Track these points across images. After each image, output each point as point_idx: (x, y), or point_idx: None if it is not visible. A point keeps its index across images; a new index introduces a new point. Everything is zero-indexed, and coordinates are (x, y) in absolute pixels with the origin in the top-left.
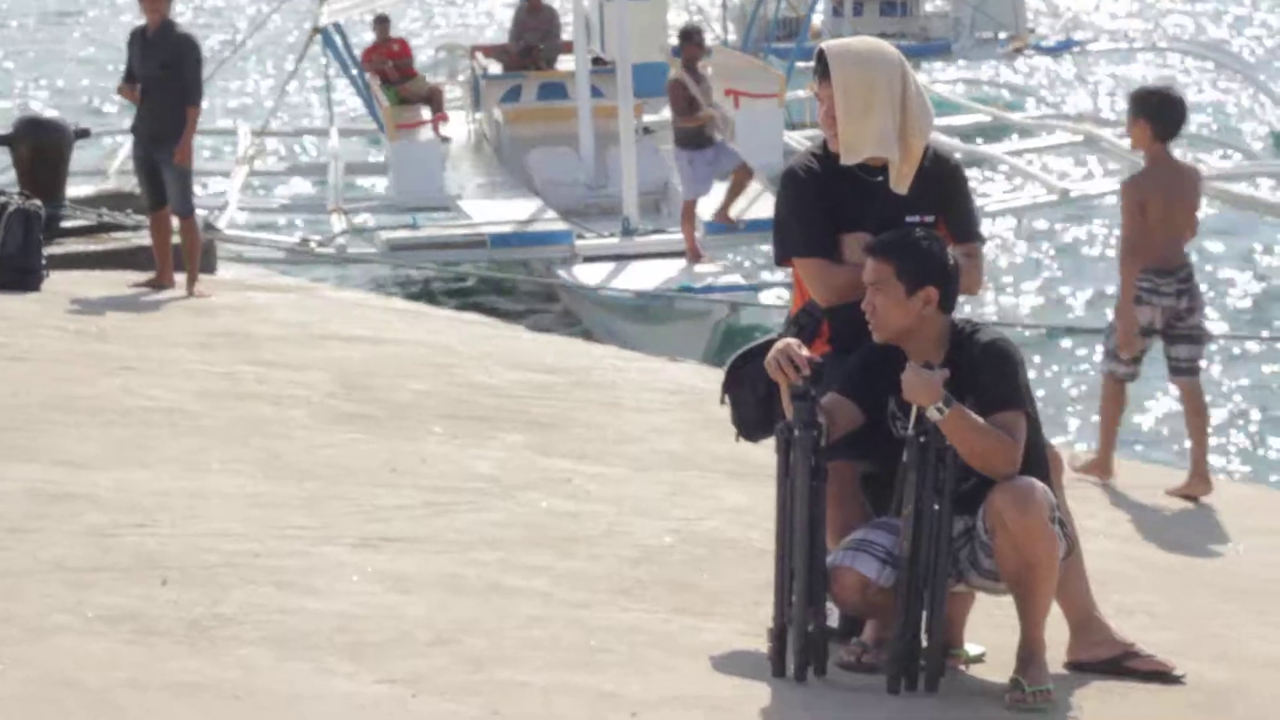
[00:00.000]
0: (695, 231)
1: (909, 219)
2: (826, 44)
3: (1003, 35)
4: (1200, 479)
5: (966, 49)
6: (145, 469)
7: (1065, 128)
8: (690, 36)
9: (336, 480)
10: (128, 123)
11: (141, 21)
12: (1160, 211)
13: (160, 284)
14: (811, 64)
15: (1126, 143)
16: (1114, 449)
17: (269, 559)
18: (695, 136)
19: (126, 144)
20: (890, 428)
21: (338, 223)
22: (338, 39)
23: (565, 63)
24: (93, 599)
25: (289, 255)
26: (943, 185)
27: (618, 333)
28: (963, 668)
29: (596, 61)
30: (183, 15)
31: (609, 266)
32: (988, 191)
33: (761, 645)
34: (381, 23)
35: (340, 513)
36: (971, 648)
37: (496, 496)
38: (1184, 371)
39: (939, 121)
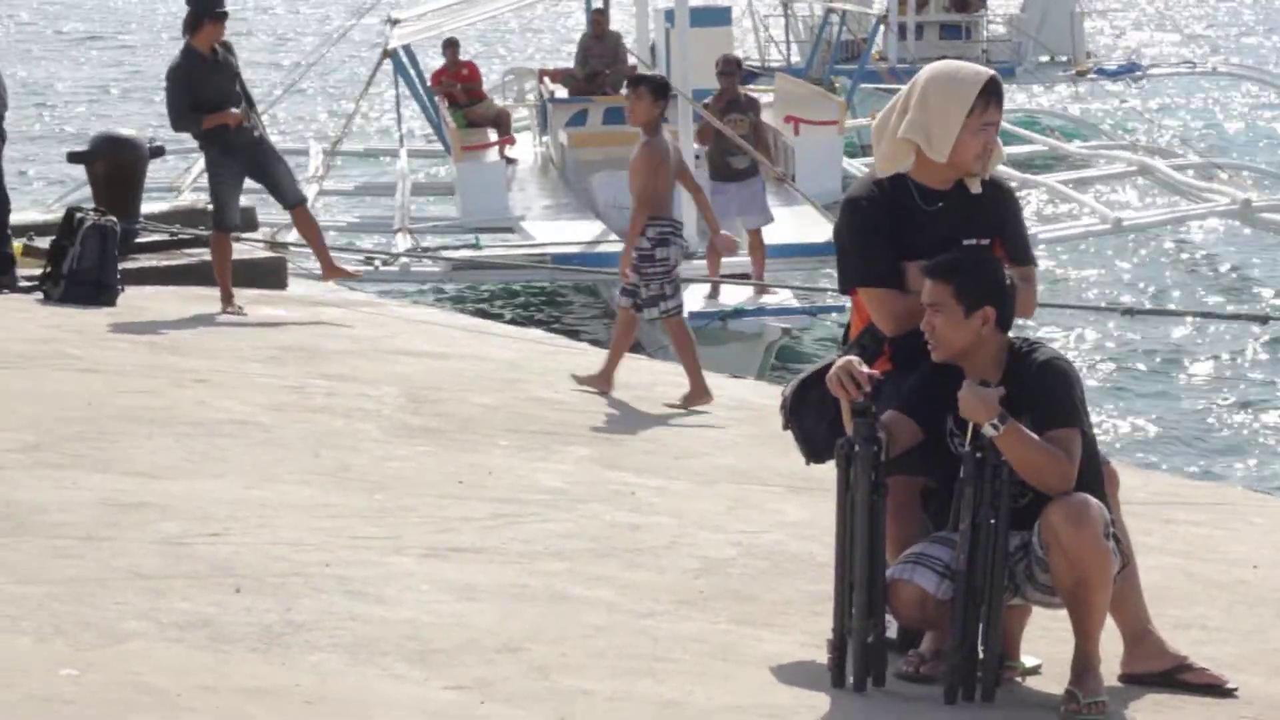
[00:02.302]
0: (764, 258)
1: (965, 242)
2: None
3: (1060, 58)
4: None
5: (1030, 73)
6: (217, 479)
7: (1120, 158)
8: (721, 66)
9: (405, 492)
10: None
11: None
12: (666, 175)
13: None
14: (875, 87)
15: (1181, 175)
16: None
17: (339, 568)
18: (720, 168)
19: (199, 161)
20: (949, 444)
21: (403, 242)
22: (407, 61)
23: None
24: (167, 606)
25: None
26: (998, 209)
27: (673, 355)
28: (1019, 679)
29: None
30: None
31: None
32: (1043, 218)
33: (821, 656)
34: (451, 46)
35: (409, 523)
36: (1028, 660)
37: (561, 509)
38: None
39: None
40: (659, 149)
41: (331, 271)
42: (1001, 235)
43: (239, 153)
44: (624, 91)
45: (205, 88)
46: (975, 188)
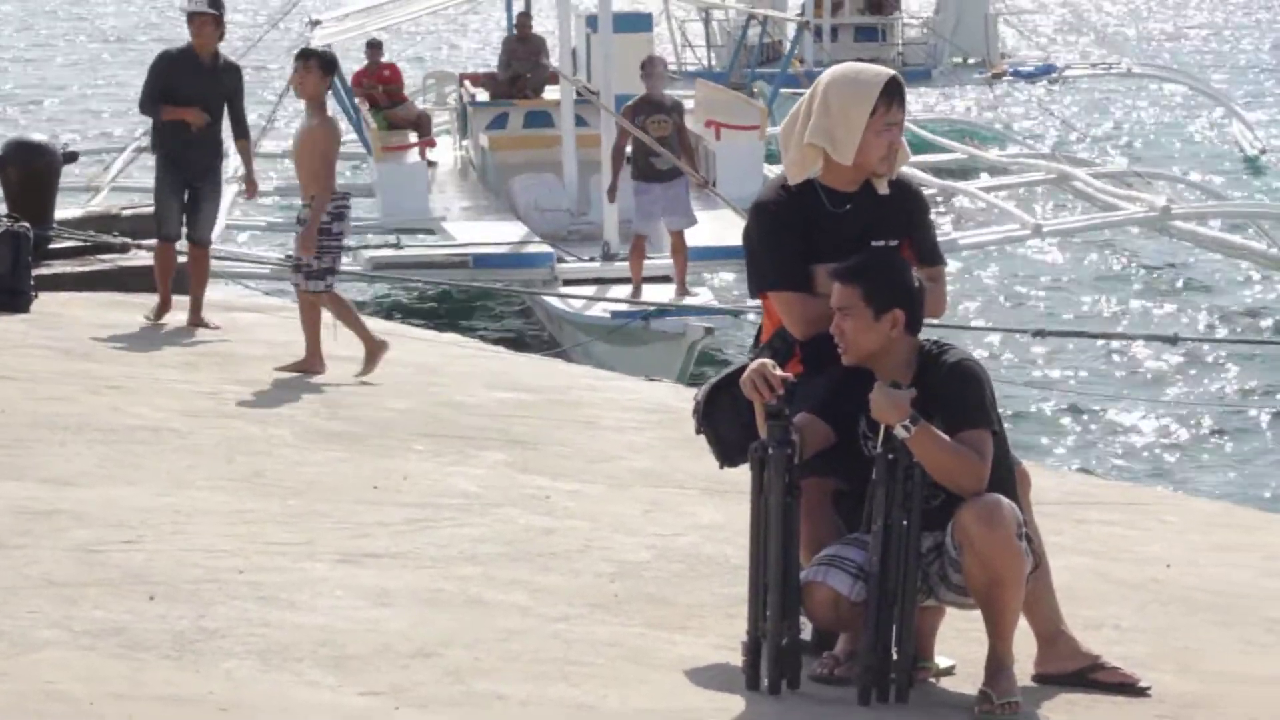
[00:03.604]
0: (686, 260)
1: (874, 244)
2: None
3: (972, 60)
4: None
5: (945, 75)
6: (131, 486)
7: (1038, 166)
8: (646, 67)
9: (319, 497)
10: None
11: (171, 44)
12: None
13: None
14: (794, 91)
15: (1099, 182)
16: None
17: (253, 574)
18: (645, 169)
19: (116, 163)
20: (861, 446)
21: None
22: None
23: (551, 92)
24: (80, 614)
25: (274, 272)
26: (906, 210)
27: (594, 354)
28: (932, 680)
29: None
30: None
31: (589, 290)
32: (962, 226)
33: (735, 659)
34: (372, 48)
35: (323, 529)
36: (941, 660)
37: (476, 513)
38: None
39: (917, 159)
40: (336, 125)
41: (195, 320)
42: (910, 236)
43: (185, 168)
44: (546, 95)
45: (180, 84)
46: (882, 189)
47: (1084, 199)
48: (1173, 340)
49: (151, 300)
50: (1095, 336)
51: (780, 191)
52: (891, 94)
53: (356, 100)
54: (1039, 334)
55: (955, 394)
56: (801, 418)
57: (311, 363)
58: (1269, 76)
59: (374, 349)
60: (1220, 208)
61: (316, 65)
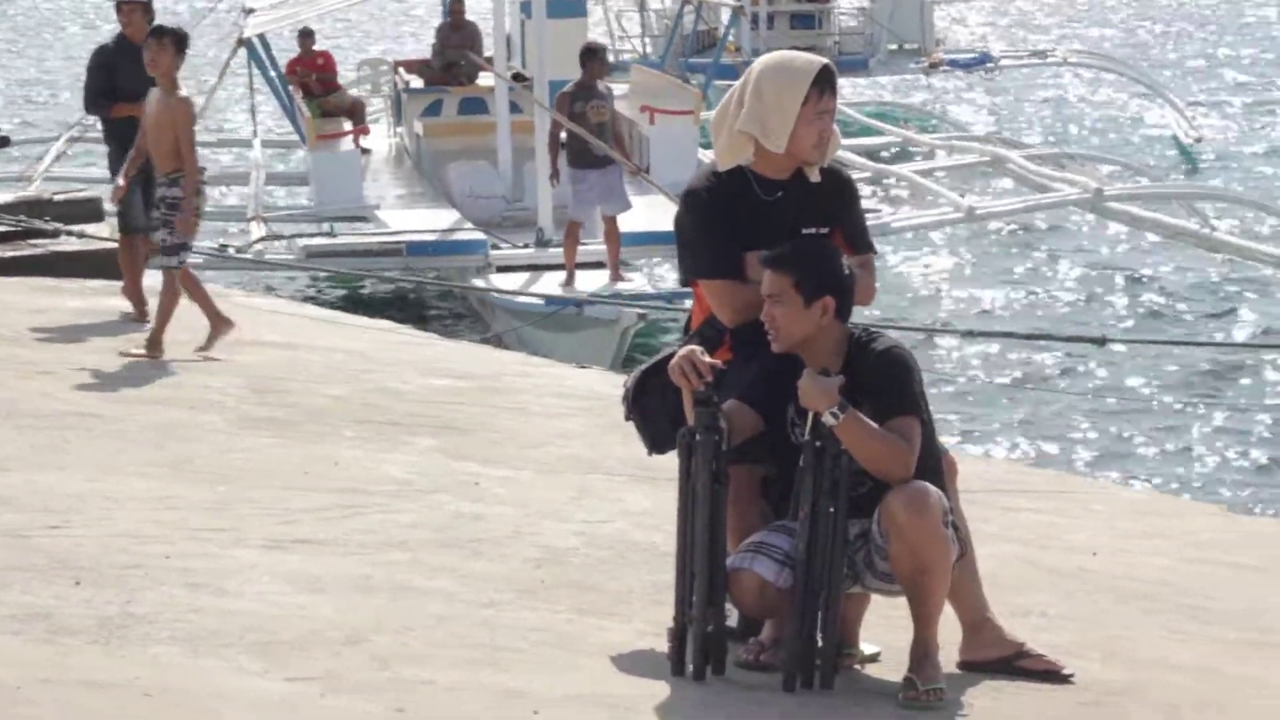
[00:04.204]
0: (619, 246)
1: (804, 231)
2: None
3: (909, 46)
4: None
5: (883, 64)
6: (60, 471)
7: (973, 149)
8: (589, 55)
9: (249, 483)
10: (54, 131)
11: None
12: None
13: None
14: (729, 82)
15: (1033, 164)
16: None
17: (181, 560)
18: (581, 155)
19: (52, 149)
20: (789, 433)
21: (257, 230)
22: (261, 51)
23: (486, 79)
24: (6, 599)
25: (206, 261)
26: (837, 198)
27: (529, 340)
28: (858, 667)
29: (517, 77)
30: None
31: (523, 276)
32: (896, 210)
33: (662, 645)
34: (306, 36)
35: (252, 515)
36: (867, 647)
37: (406, 499)
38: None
39: (852, 142)
40: (191, 101)
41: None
42: (840, 224)
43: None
44: (480, 81)
45: (122, 78)
46: (814, 177)
47: (1018, 181)
48: (1100, 342)
49: (85, 285)
50: (1024, 337)
51: (711, 179)
52: (823, 82)
53: (290, 88)
54: (968, 334)
55: (884, 381)
56: (730, 405)
57: (218, 326)
58: (1204, 66)
59: (220, 326)
60: (1153, 189)
61: (171, 42)
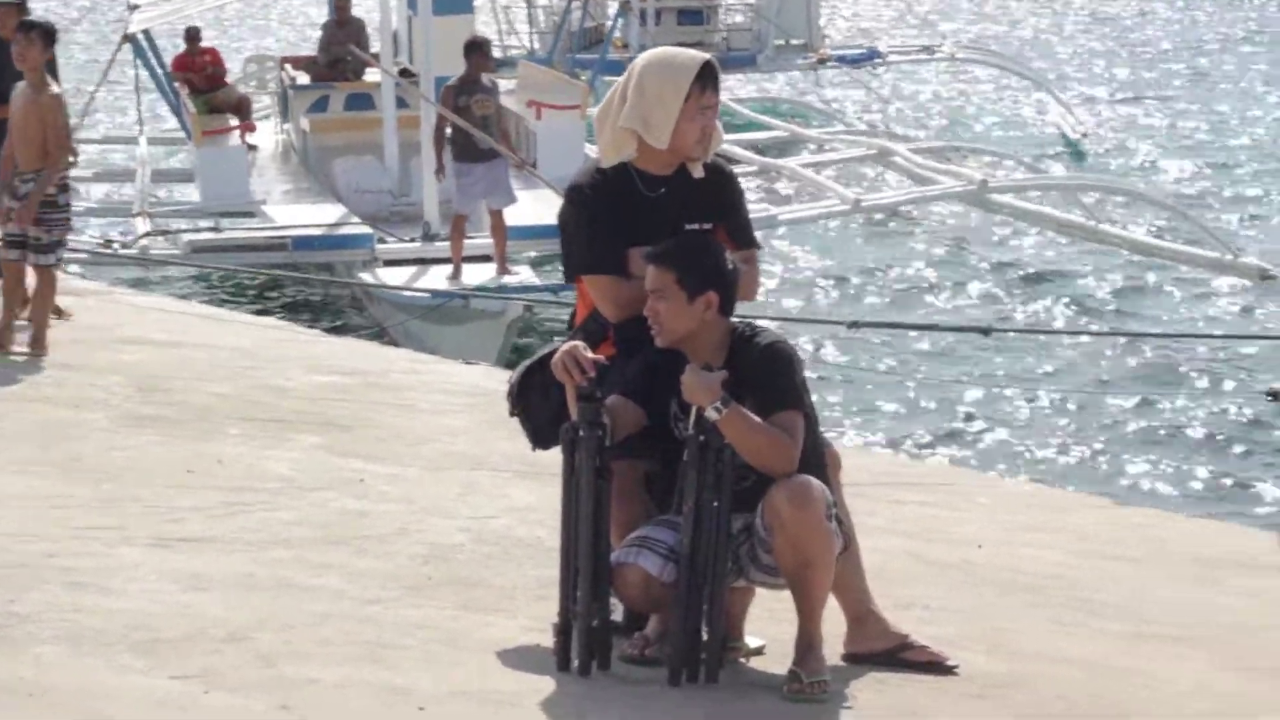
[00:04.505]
0: (505, 240)
1: (688, 227)
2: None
3: (795, 42)
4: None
5: (771, 60)
6: None
7: (860, 142)
8: (473, 48)
9: (133, 482)
10: None
11: None
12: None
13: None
14: (616, 78)
15: (919, 157)
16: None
17: (64, 559)
18: (465, 149)
19: None
20: (673, 429)
21: (142, 226)
22: (147, 47)
23: (372, 75)
24: None
25: (92, 256)
26: (720, 193)
27: (416, 334)
28: (743, 660)
29: (403, 73)
30: None
31: (410, 270)
32: (782, 203)
33: (547, 640)
34: (192, 32)
35: (136, 513)
36: (751, 640)
37: (291, 496)
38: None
39: (739, 136)
40: (62, 96)
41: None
42: (724, 219)
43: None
44: (383, 69)
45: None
46: (697, 172)
47: (904, 174)
48: (985, 331)
49: None
50: (910, 327)
51: (595, 175)
52: (706, 78)
53: (176, 85)
54: (854, 325)
55: (766, 376)
56: (613, 400)
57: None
58: (1089, 61)
59: (42, 339)
60: (1038, 180)
61: (39, 36)
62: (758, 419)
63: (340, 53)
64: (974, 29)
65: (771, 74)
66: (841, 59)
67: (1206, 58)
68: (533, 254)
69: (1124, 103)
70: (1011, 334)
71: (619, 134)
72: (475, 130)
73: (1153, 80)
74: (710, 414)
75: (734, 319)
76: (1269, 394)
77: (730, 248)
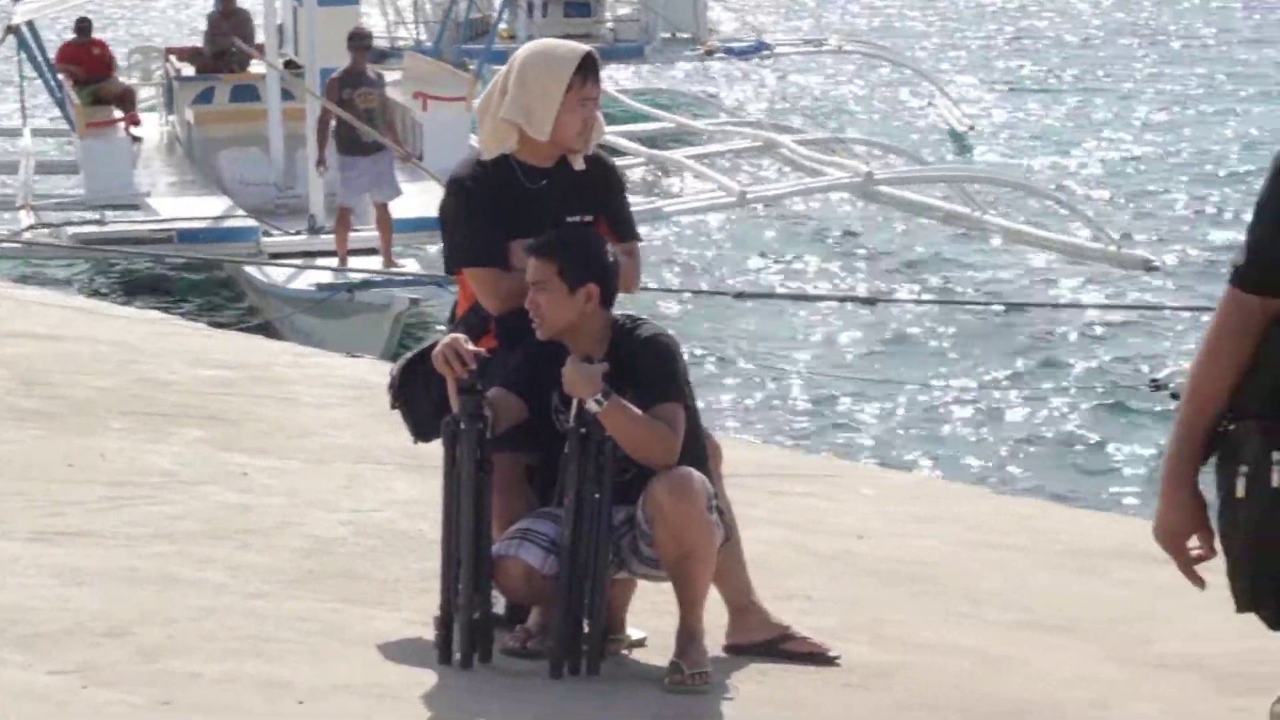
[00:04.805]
0: (391, 233)
1: (569, 219)
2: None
3: (683, 36)
4: None
5: (658, 52)
6: None
7: (746, 134)
8: (353, 39)
9: (14, 476)
10: None
11: None
12: None
13: None
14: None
15: (804, 149)
16: None
17: None
18: (350, 142)
19: None
20: (554, 421)
21: (26, 218)
22: (30, 38)
23: (258, 66)
24: None
25: None
26: (601, 185)
27: (301, 327)
28: (624, 652)
29: (289, 65)
30: None
31: (295, 263)
32: (669, 195)
33: (429, 633)
34: (83, 23)
35: (16, 508)
36: (633, 633)
37: (173, 490)
38: None
39: (626, 128)
40: None
41: None
42: (605, 211)
43: None
44: (265, 63)
45: None
46: (578, 164)
47: (790, 165)
48: (871, 301)
49: None
50: (794, 298)
51: (475, 167)
52: (586, 70)
53: (60, 76)
54: (739, 296)
55: (648, 368)
56: (494, 392)
57: None
58: (976, 55)
59: None
60: (922, 172)
61: None
62: (639, 411)
63: (225, 44)
64: (861, 22)
65: (659, 65)
66: (729, 51)
67: (1093, 50)
68: (419, 246)
69: (1009, 95)
70: (893, 305)
71: (500, 126)
72: (359, 124)
73: (1038, 73)
74: (591, 406)
75: (616, 312)
76: (1152, 384)
77: (611, 240)
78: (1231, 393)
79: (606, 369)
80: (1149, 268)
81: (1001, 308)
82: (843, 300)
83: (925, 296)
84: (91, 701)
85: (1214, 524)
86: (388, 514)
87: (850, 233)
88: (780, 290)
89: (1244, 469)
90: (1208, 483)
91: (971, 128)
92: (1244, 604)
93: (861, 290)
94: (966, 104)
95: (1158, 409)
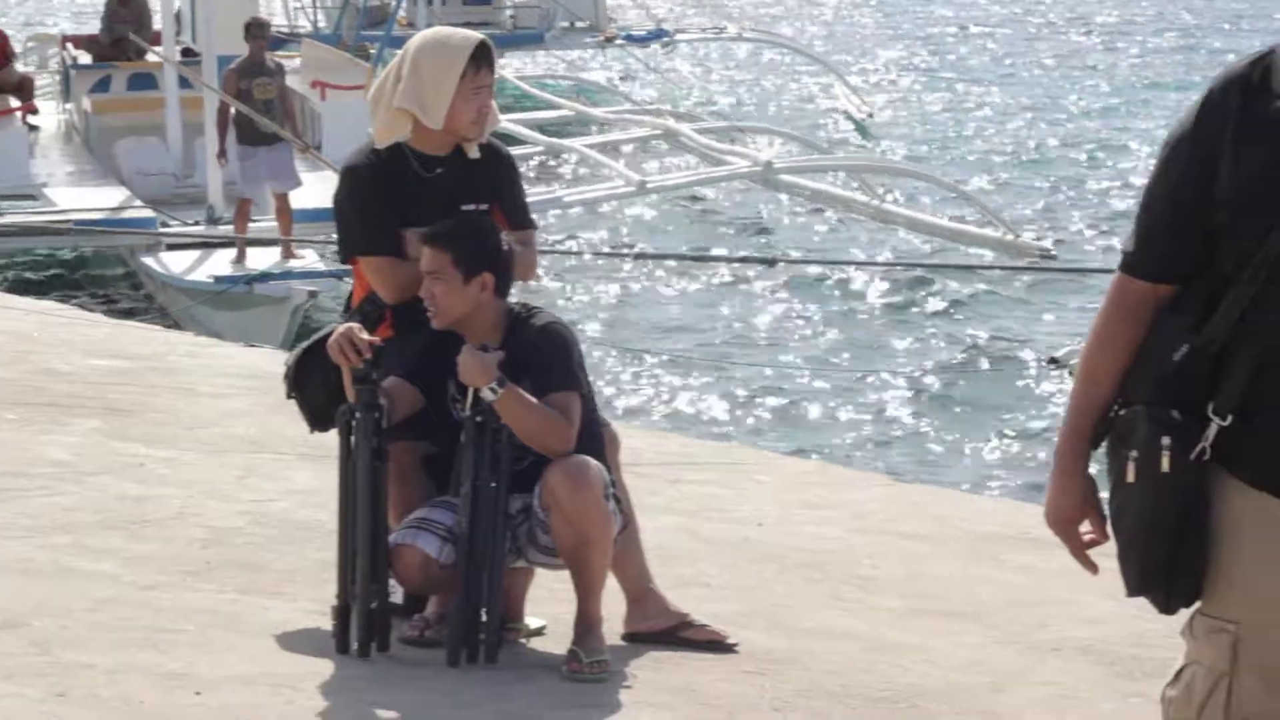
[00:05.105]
0: (291, 223)
1: (464, 208)
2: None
3: (582, 24)
4: None
5: (557, 39)
6: None
7: (645, 122)
8: (250, 29)
9: None
10: None
11: None
12: None
13: None
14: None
15: (704, 138)
16: None
17: None
18: (249, 132)
19: None
20: (450, 410)
21: None
22: None
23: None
24: None
25: None
26: (496, 174)
27: (199, 319)
28: (523, 640)
29: (187, 53)
30: None
31: (193, 254)
32: (567, 184)
33: (327, 623)
34: None
35: None
36: (532, 621)
37: (69, 481)
38: None
39: (526, 115)
40: None
41: None
42: (500, 200)
43: None
44: (150, 58)
45: None
46: (473, 153)
47: (691, 154)
48: (770, 263)
49: None
50: (694, 259)
51: (370, 156)
52: (480, 58)
53: None
54: (638, 256)
55: (543, 356)
56: (390, 382)
57: None
58: (877, 44)
59: None
60: (821, 161)
61: None
62: (534, 400)
63: (123, 31)
64: (762, 11)
65: (559, 52)
66: (629, 37)
67: (996, 42)
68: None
69: (909, 83)
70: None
71: (394, 115)
72: (256, 115)
73: (939, 61)
74: (486, 395)
75: (512, 300)
76: (1049, 361)
77: (506, 228)
78: (1122, 378)
79: (502, 357)
80: (1045, 256)
81: (903, 272)
82: (743, 261)
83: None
84: None
85: (1105, 509)
86: (286, 504)
87: (751, 220)
88: (676, 275)
89: (1134, 454)
90: (1101, 467)
91: (870, 115)
92: (1135, 588)
93: (758, 279)
94: (866, 91)
95: (1056, 389)
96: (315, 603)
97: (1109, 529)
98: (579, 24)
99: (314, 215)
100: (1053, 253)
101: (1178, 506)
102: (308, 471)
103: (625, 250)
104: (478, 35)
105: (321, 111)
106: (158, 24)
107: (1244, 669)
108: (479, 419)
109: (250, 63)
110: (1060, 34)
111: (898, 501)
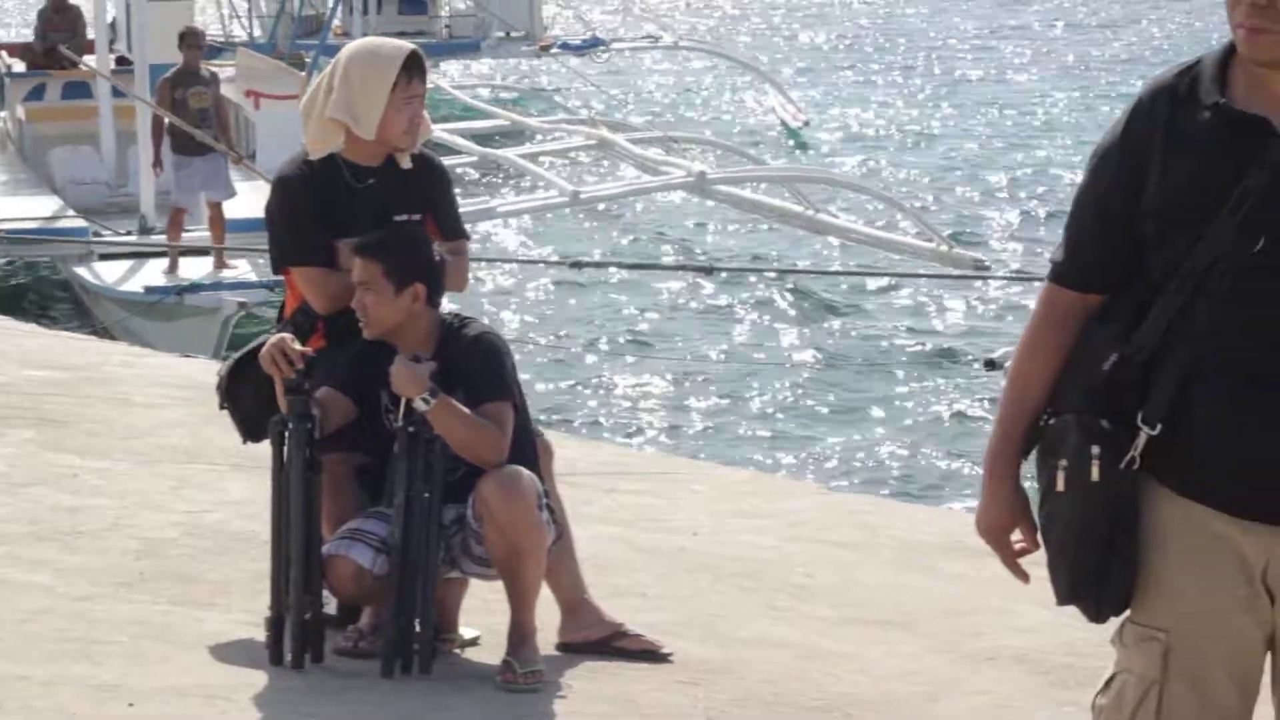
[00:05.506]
0: (224, 232)
1: (397, 218)
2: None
3: (517, 33)
4: None
5: (493, 48)
6: None
7: (580, 132)
8: (185, 38)
9: None
10: None
11: None
12: None
13: None
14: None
15: (638, 148)
16: None
17: None
18: (183, 142)
19: None
20: (383, 420)
21: None
22: None
23: (91, 62)
24: None
25: None
26: (428, 184)
27: (132, 329)
28: (457, 651)
29: (122, 61)
30: None
31: (126, 264)
32: (501, 194)
33: (261, 634)
34: None
35: None
36: (466, 631)
37: (2, 492)
38: None
39: (460, 125)
40: None
41: None
42: (432, 210)
43: None
44: (83, 66)
45: None
46: (405, 163)
47: (625, 164)
48: (709, 271)
49: None
50: (631, 267)
51: (302, 166)
52: (412, 68)
53: None
54: (576, 265)
55: (476, 366)
56: (323, 392)
57: None
58: (813, 55)
59: None
60: (756, 172)
61: None
62: (467, 410)
63: (57, 40)
64: (697, 20)
65: (495, 62)
66: (565, 46)
67: (933, 53)
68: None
69: (845, 94)
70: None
71: (326, 125)
72: (188, 126)
73: (875, 72)
74: (419, 405)
75: (445, 311)
76: (986, 364)
77: (439, 239)
78: (1052, 387)
79: (434, 368)
80: (979, 267)
81: (836, 277)
82: (681, 269)
83: (758, 295)
84: None
85: (1036, 518)
86: (220, 515)
87: (685, 230)
88: (614, 284)
89: (1063, 463)
90: (1031, 477)
91: (806, 124)
92: (1065, 597)
93: (695, 290)
94: (802, 102)
95: (990, 394)
96: (249, 614)
97: (1039, 538)
98: (514, 33)
99: (248, 225)
100: (986, 264)
101: (1107, 515)
102: (241, 482)
103: (559, 259)
104: (409, 45)
105: (256, 120)
106: (92, 33)
107: (1174, 677)
108: (412, 429)
109: (185, 71)
110: (994, 43)
111: (832, 510)
